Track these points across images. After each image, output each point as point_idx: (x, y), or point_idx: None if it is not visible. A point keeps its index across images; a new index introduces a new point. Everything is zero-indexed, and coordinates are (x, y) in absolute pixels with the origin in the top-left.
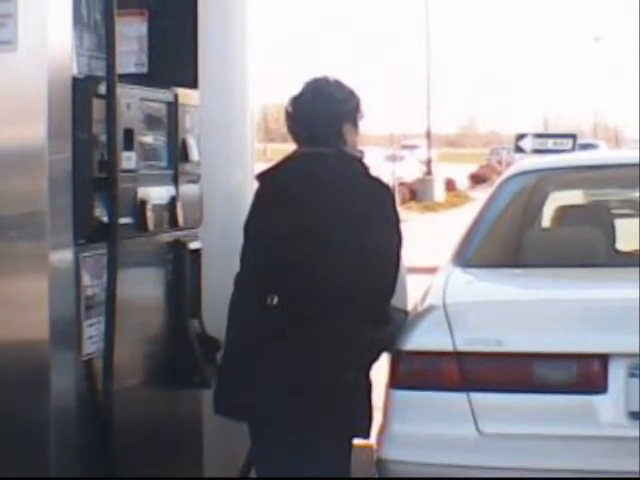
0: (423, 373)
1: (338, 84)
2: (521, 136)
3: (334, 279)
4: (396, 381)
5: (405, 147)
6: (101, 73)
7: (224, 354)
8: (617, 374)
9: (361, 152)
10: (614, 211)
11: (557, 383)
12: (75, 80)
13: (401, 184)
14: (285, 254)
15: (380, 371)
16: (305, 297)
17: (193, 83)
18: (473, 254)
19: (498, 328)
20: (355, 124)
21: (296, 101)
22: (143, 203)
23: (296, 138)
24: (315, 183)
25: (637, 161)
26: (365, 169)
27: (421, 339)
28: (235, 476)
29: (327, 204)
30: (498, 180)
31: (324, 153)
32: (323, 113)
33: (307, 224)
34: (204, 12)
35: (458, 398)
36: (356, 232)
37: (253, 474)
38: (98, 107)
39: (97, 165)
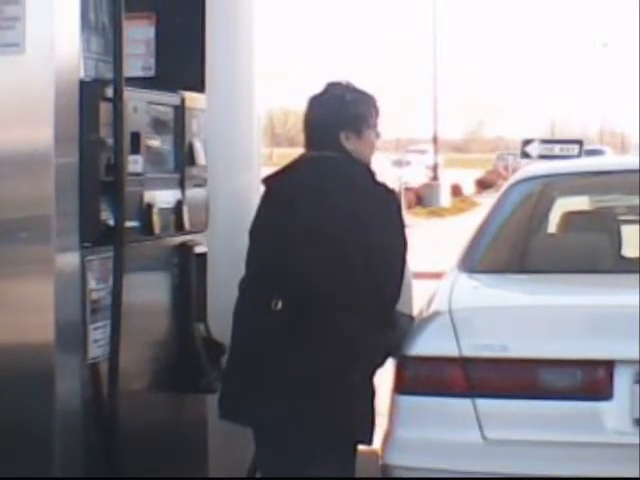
0: (428, 379)
1: (345, 90)
2: (528, 142)
3: (339, 283)
4: (401, 386)
5: (411, 151)
6: (108, 76)
7: (229, 358)
8: (623, 381)
9: (366, 154)
10: (620, 217)
11: (562, 389)
12: (82, 83)
13: (407, 189)
14: (290, 258)
15: (384, 376)
16: (310, 301)
17: (200, 87)
18: (479, 260)
19: (504, 334)
20: (358, 133)
21: (307, 101)
22: (149, 207)
23: (304, 141)
24: (321, 187)
25: None
26: (371, 174)
27: (427, 344)
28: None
29: (333, 208)
30: (504, 186)
31: (330, 157)
32: (319, 117)
33: (312, 228)
34: (211, 16)
35: (463, 404)
36: (361, 237)
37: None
38: (105, 110)
39: (104, 168)
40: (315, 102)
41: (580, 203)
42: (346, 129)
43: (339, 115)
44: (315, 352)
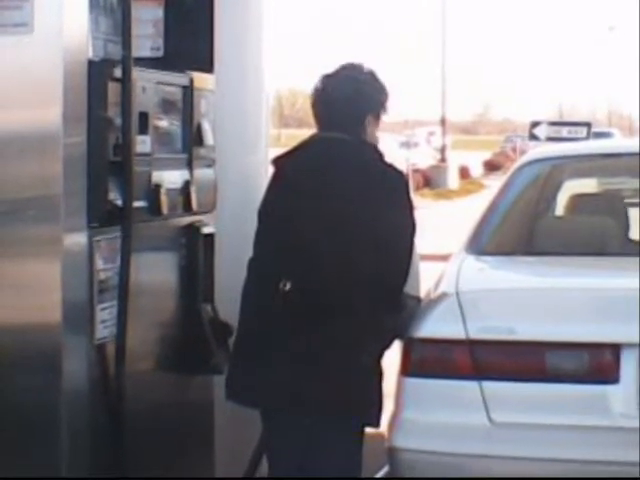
0: (435, 361)
1: (371, 75)
2: (536, 124)
3: (347, 264)
4: (408, 369)
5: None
6: (117, 56)
7: (236, 339)
8: (629, 364)
9: (376, 139)
10: (628, 200)
11: (569, 372)
12: (91, 63)
13: (415, 171)
14: (299, 239)
15: (390, 358)
16: (318, 282)
17: (209, 67)
18: (486, 242)
19: (511, 316)
20: (377, 117)
21: (326, 80)
22: (157, 187)
23: (317, 120)
24: (330, 168)
25: None
26: (380, 155)
27: (434, 327)
28: (247, 461)
29: (341, 189)
30: (512, 168)
31: (340, 138)
32: (347, 97)
33: (321, 209)
34: None
35: (470, 386)
36: (370, 217)
37: (264, 460)
38: (113, 90)
39: (112, 148)
40: (342, 80)
41: (588, 186)
42: (372, 112)
43: (370, 98)
44: (323, 334)
